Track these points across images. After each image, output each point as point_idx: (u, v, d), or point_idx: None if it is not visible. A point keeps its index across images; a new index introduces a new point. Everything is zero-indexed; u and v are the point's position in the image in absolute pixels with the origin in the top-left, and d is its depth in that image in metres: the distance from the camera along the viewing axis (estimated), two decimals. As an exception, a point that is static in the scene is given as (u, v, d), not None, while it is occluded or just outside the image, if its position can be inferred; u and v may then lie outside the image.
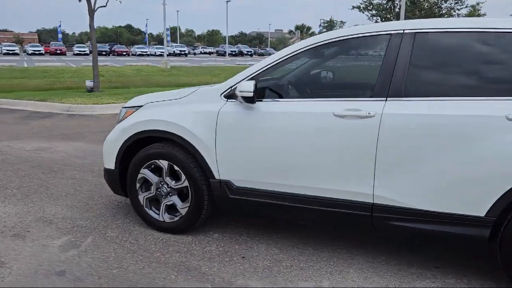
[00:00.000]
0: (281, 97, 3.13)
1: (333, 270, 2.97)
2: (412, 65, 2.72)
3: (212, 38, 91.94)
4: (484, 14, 47.27)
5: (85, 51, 51.36)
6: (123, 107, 3.80)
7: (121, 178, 3.63)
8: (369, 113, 2.73)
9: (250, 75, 3.12)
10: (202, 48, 72.85)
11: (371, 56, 3.01)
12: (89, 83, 13.10)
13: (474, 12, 46.53)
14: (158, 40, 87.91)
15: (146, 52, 53.07)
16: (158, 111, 3.42)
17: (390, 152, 2.70)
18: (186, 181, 3.34)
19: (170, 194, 3.46)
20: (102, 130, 7.90)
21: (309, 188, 2.96)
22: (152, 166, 3.47)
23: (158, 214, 3.51)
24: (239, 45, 68.51)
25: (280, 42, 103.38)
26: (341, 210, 2.90)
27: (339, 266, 3.02)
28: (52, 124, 8.48)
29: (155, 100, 3.51)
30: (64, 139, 7.14)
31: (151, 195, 3.52)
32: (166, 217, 3.49)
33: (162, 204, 3.48)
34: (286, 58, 3.04)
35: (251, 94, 2.91)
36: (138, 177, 3.52)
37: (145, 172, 3.49)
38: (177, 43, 63.53)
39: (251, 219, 3.75)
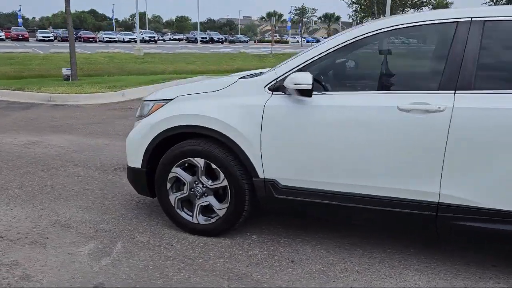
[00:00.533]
0: (336, 89, 2.91)
1: (391, 272, 2.81)
2: (482, 56, 2.55)
3: (181, 25, 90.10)
4: (452, 3, 48.25)
5: (49, 37, 49.21)
6: (145, 100, 3.48)
7: (149, 177, 3.34)
8: (438, 107, 2.55)
9: (299, 65, 2.88)
10: (171, 34, 71.28)
11: (429, 45, 2.83)
12: (66, 71, 12.43)
13: (442, 1, 47.45)
14: (124, 26, 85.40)
15: (114, 38, 51.34)
16: (192, 104, 3.13)
17: (461, 149, 2.54)
18: (225, 180, 3.08)
19: (206, 194, 3.19)
20: (92, 121, 7.46)
21: (367, 187, 2.77)
22: (186, 164, 3.20)
23: (192, 216, 3.25)
24: (209, 32, 67.37)
25: (250, 29, 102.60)
26: (403, 210, 2.73)
27: (395, 268, 2.86)
28: (37, 116, 7.94)
29: (187, 93, 3.21)
30: (54, 131, 6.68)
31: (183, 195, 3.25)
32: (201, 219, 3.23)
33: (196, 205, 3.22)
34: (342, 47, 2.82)
35: (309, 87, 2.67)
36: (169, 177, 3.24)
37: (177, 171, 3.21)
38: (145, 29, 61.81)
39: (286, 218, 3.54)
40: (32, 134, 6.46)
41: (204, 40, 57.27)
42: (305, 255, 3.01)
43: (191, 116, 3.09)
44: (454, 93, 2.57)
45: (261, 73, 3.62)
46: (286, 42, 68.47)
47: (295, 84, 2.71)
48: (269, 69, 3.66)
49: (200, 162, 3.12)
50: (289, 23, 63.30)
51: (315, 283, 2.68)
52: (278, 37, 67.91)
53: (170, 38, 66.23)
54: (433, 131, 2.58)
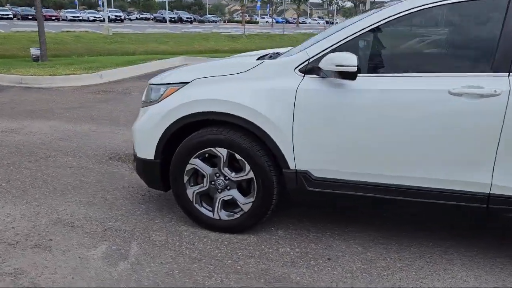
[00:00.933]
0: (378, 72, 2.65)
1: (435, 269, 2.64)
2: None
3: (147, 3, 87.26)
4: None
5: (8, 15, 46.49)
6: (154, 84, 3.12)
7: (162, 169, 3.02)
8: (494, 91, 2.35)
9: (334, 44, 2.60)
10: (138, 13, 68.83)
11: (479, 22, 2.61)
12: (35, 51, 11.65)
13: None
14: (87, 4, 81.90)
15: (78, 17, 49.07)
16: (213, 89, 2.82)
17: (518, 136, 2.35)
18: (251, 172, 2.80)
19: (228, 187, 2.91)
20: (72, 106, 6.96)
21: (411, 178, 2.56)
22: (206, 155, 2.90)
23: (212, 211, 2.97)
24: (177, 11, 65.53)
25: (217, 8, 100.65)
26: (449, 202, 2.54)
27: (438, 263, 2.69)
28: (10, 100, 7.34)
29: (207, 75, 2.88)
30: (32, 117, 6.17)
31: (203, 189, 2.96)
32: (223, 215, 2.95)
33: (218, 199, 2.93)
34: (384, 23, 2.56)
35: (353, 69, 2.41)
36: (187, 169, 2.93)
37: (196, 163, 2.91)
38: (110, 8, 59.45)
39: (308, 210, 3.31)
40: (8, 120, 5.93)
41: (173, 19, 55.64)
42: (340, 252, 2.80)
43: (212, 101, 2.77)
44: (508, 76, 2.37)
45: (277, 53, 3.34)
46: (256, 23, 67.56)
47: (337, 65, 2.44)
48: (288, 49, 3.38)
49: (222, 152, 2.83)
50: (258, 3, 62.50)
51: (360, 283, 2.47)
52: (247, 17, 66.81)
53: (136, 17, 63.96)
54: (487, 117, 2.38)
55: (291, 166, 2.73)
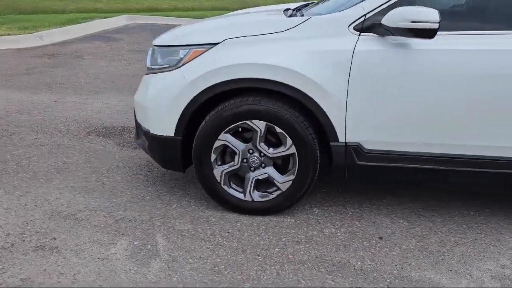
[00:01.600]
0: (452, 29, 2.33)
1: (489, 240, 2.49)
2: None
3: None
4: None
5: None
6: (163, 46, 2.62)
7: (183, 147, 2.58)
8: None
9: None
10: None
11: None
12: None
13: None
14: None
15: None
16: (252, 51, 2.39)
17: None
18: (293, 147, 2.46)
19: (264, 165, 2.55)
20: (17, 72, 6.06)
21: (481, 147, 2.36)
22: (239, 129, 2.50)
23: (243, 192, 2.60)
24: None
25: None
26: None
27: (489, 234, 2.55)
28: None
29: (239, 35, 2.44)
30: (-28, 86, 5.26)
31: (233, 168, 2.57)
32: (256, 196, 2.60)
33: (251, 179, 2.57)
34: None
35: (435, 25, 2.09)
36: (215, 146, 2.52)
37: (226, 138, 2.50)
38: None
39: (332, 183, 3.04)
40: None
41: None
42: (388, 229, 2.58)
43: (253, 66, 2.36)
44: None
45: (306, 4, 2.95)
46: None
47: (412, 21, 2.11)
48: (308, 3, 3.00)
49: (259, 125, 2.44)
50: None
51: (426, 265, 2.27)
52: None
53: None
54: None
55: (341, 138, 2.42)
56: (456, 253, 2.37)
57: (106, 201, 2.75)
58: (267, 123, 2.43)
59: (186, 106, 2.45)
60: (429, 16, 2.09)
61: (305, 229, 2.54)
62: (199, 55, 2.45)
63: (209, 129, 2.48)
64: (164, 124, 2.54)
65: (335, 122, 2.38)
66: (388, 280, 2.15)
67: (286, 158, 2.54)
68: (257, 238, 2.43)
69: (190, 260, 2.22)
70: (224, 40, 2.43)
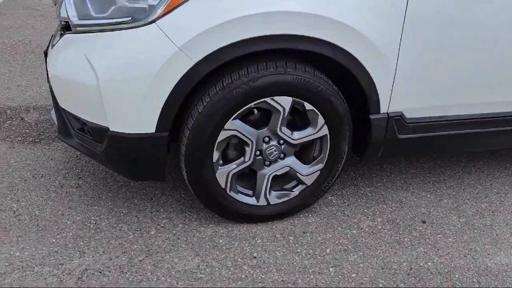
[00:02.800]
0: None
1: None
2: None
3: None
4: None
5: None
6: None
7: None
8: None
9: None
10: None
11: None
12: None
13: None
14: None
15: None
16: None
17: None
18: (325, 127, 1.80)
19: (284, 155, 1.85)
20: None
21: None
22: (254, 111, 1.72)
23: (255, 196, 1.88)
24: None
25: None
26: None
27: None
28: None
29: None
30: None
31: (243, 166, 1.80)
32: (273, 198, 1.90)
33: (266, 176, 1.85)
34: None
35: None
36: (220, 139, 1.70)
37: (236, 126, 1.70)
38: None
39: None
40: None
41: None
42: (420, 207, 2.17)
43: (280, 15, 1.55)
44: None
45: None
46: None
47: None
48: None
49: (284, 102, 1.70)
50: None
51: (490, 247, 1.94)
52: None
53: None
54: None
55: (383, 108, 1.85)
56: (498, 221, 2.10)
57: (118, 203, 1.76)
58: (295, 98, 1.70)
59: (176, 85, 1.55)
60: None
61: (340, 228, 1.97)
62: (185, 1, 1.52)
63: (209, 116, 1.63)
64: (138, 117, 1.60)
65: (380, 88, 1.78)
66: (475, 280, 1.76)
67: (310, 144, 1.87)
68: (296, 259, 1.77)
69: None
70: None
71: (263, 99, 1.67)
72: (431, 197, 2.27)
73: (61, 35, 1.78)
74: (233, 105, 1.64)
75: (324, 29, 1.61)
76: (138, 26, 1.54)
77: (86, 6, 1.66)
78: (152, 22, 1.53)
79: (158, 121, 1.60)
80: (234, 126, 1.70)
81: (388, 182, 2.36)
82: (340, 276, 1.70)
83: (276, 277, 1.66)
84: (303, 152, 1.90)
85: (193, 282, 1.60)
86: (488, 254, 1.89)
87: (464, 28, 1.78)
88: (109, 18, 1.59)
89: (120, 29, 1.57)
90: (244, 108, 1.66)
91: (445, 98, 1.93)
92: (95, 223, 1.85)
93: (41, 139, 2.46)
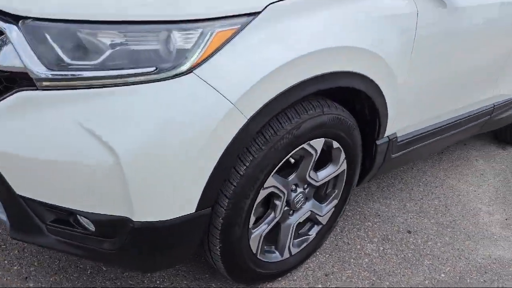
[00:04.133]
0: None
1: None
2: None
3: None
4: None
5: None
6: (147, 21, 1.13)
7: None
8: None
9: None
10: None
11: None
12: None
13: None
14: None
15: None
16: (317, 24, 1.32)
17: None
18: (345, 162, 1.68)
19: (306, 200, 1.65)
20: None
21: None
22: (291, 160, 1.47)
23: (280, 250, 1.65)
24: None
25: None
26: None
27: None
28: None
29: None
30: None
31: (274, 222, 1.55)
32: (295, 247, 1.70)
33: (291, 226, 1.63)
34: None
35: None
36: (258, 200, 1.41)
37: (274, 182, 1.43)
38: None
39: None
40: None
41: None
42: (398, 217, 2.25)
43: (338, 52, 1.34)
44: None
45: None
46: None
47: None
48: None
49: (318, 145, 1.51)
50: None
51: (469, 242, 2.13)
52: None
53: None
54: None
55: (387, 132, 1.81)
56: (461, 215, 2.34)
57: None
58: (327, 139, 1.53)
59: (227, 147, 1.20)
60: None
61: (353, 260, 1.89)
62: (230, 40, 1.18)
63: (253, 178, 1.33)
64: (175, 198, 1.19)
65: (391, 114, 1.74)
66: (482, 280, 1.90)
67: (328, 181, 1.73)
68: (342, 309, 1.63)
69: None
70: (268, 5, 1.24)
71: (301, 146, 1.44)
72: (396, 203, 2.37)
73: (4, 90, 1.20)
74: (277, 159, 1.37)
75: (367, 61, 1.47)
76: (168, 78, 1.13)
77: (54, 50, 1.15)
78: (189, 72, 1.14)
79: (201, 196, 1.23)
80: (272, 182, 1.43)
81: (355, 196, 2.37)
82: (389, 316, 1.63)
83: None
84: (317, 192, 1.74)
85: None
86: (472, 251, 2.08)
87: (441, 61, 1.85)
88: (114, 68, 1.13)
89: (134, 83, 1.13)
90: (284, 159, 1.41)
91: (423, 114, 2.00)
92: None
93: None
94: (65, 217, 1.26)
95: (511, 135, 3.19)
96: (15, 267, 1.61)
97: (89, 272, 1.63)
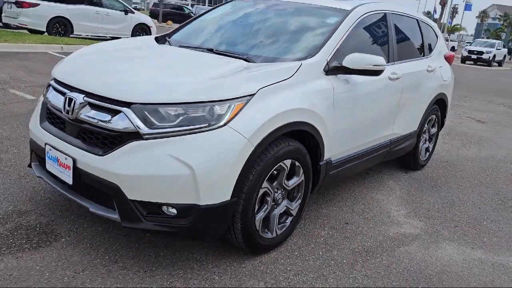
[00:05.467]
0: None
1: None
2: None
3: None
4: None
5: None
6: (208, 101, 2.29)
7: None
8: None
9: (336, 46, 3.04)
10: None
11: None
12: None
13: None
14: None
15: None
16: (284, 98, 2.53)
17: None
18: (303, 175, 2.84)
19: (283, 198, 2.78)
20: None
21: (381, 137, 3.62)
22: (274, 172, 2.60)
23: (270, 231, 2.73)
24: None
25: None
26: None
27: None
28: None
29: (265, 84, 2.47)
30: None
31: (267, 211, 2.65)
32: (278, 229, 2.79)
33: (276, 216, 2.74)
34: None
35: (384, 67, 3.01)
36: (259, 194, 2.52)
37: (266, 184, 2.56)
38: None
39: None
40: None
41: None
42: (336, 213, 3.40)
43: (292, 112, 2.54)
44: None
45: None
46: None
47: (375, 65, 2.95)
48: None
49: (287, 163, 2.67)
50: None
51: (387, 220, 3.32)
52: None
53: None
54: None
55: (325, 156, 3.01)
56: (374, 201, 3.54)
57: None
58: (292, 160, 2.69)
59: (245, 163, 2.32)
60: (382, 61, 3.01)
61: (314, 237, 2.99)
62: (242, 107, 2.34)
63: (256, 181, 2.44)
64: (219, 189, 2.27)
65: (326, 145, 2.94)
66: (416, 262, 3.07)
67: (295, 186, 2.86)
68: (310, 259, 2.70)
69: (317, 303, 2.31)
70: (258, 90, 2.43)
71: (279, 163, 2.59)
72: (337, 208, 3.53)
73: (117, 142, 2.27)
74: (268, 170, 2.50)
75: (309, 116, 2.69)
76: (215, 128, 2.26)
77: (149, 118, 2.24)
78: (226, 125, 2.28)
79: (233, 190, 2.32)
80: (266, 185, 2.55)
81: (312, 203, 3.50)
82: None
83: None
84: (289, 194, 2.86)
85: (276, 293, 2.34)
86: (387, 230, 3.25)
87: (352, 114, 3.15)
88: (183, 125, 2.23)
89: (199, 131, 2.24)
90: (271, 171, 2.54)
91: (345, 146, 3.23)
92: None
93: (47, 240, 2.57)
94: (156, 209, 2.28)
95: (410, 163, 4.57)
96: (107, 257, 2.52)
97: (146, 270, 2.57)
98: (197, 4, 53.08)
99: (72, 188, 2.49)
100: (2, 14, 13.43)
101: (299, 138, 2.79)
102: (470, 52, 28.72)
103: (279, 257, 2.72)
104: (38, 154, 2.76)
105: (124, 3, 15.46)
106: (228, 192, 2.31)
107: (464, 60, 28.81)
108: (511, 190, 4.48)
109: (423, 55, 4.44)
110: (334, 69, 2.96)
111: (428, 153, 4.86)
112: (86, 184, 2.40)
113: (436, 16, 55.71)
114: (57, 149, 2.48)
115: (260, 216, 2.60)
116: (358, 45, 3.33)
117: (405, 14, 4.19)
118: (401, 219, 3.49)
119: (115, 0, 15.20)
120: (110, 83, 2.43)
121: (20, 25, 12.95)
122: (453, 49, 40.54)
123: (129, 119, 2.25)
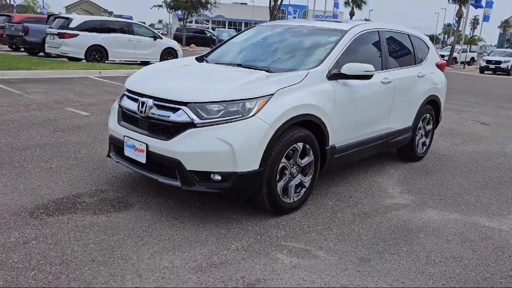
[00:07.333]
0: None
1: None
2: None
3: None
4: None
5: None
6: (243, 99, 3.26)
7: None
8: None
9: (336, 58, 3.97)
10: None
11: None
12: None
13: None
14: None
15: None
16: (295, 96, 3.45)
17: (397, 101, 4.74)
18: (312, 155, 3.74)
19: (297, 173, 3.68)
20: None
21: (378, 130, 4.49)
22: (290, 151, 3.51)
23: (288, 197, 3.62)
24: None
25: None
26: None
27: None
28: None
29: (283, 86, 3.42)
30: None
31: (285, 181, 3.55)
32: (295, 197, 3.68)
33: (292, 186, 3.63)
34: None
35: (372, 73, 3.93)
36: (279, 167, 3.43)
37: (284, 160, 3.47)
38: None
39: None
40: None
41: None
42: (345, 191, 4.27)
43: (301, 106, 3.46)
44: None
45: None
46: None
47: (365, 71, 3.87)
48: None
49: (300, 146, 3.58)
50: None
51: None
52: None
53: None
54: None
55: (330, 143, 3.91)
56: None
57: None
58: (303, 143, 3.60)
59: (270, 140, 3.25)
60: (370, 68, 3.92)
61: (322, 205, 3.87)
62: (266, 103, 3.28)
63: (277, 156, 3.36)
64: (250, 161, 3.19)
65: (330, 134, 3.85)
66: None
67: (307, 165, 3.75)
68: (363, 231, 3.58)
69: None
70: (276, 91, 3.37)
71: (293, 145, 3.50)
72: (344, 187, 4.40)
73: (171, 131, 3.22)
74: (285, 149, 3.42)
75: (316, 110, 3.61)
76: (247, 118, 3.20)
77: (200, 112, 3.20)
78: (254, 115, 3.22)
79: (260, 162, 3.24)
80: (284, 160, 3.47)
81: (321, 182, 4.38)
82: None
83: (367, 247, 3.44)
84: (303, 170, 3.76)
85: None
86: (383, 200, 4.09)
87: (350, 111, 4.05)
88: (224, 117, 3.18)
89: (235, 120, 3.18)
90: (288, 150, 3.46)
91: (346, 135, 4.12)
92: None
93: (125, 207, 3.53)
94: (206, 176, 3.21)
95: (408, 153, 5.41)
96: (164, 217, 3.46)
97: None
98: (218, 27, 55.07)
99: (144, 167, 3.46)
100: (46, 45, 14.96)
101: (309, 127, 3.70)
102: (488, 62, 29.21)
103: (296, 216, 3.61)
104: (116, 145, 3.75)
105: (153, 30, 16.85)
106: (256, 163, 3.23)
107: (482, 70, 29.28)
108: (497, 175, 5.24)
109: (415, 63, 5.31)
110: (334, 75, 3.89)
111: (425, 147, 5.68)
112: (155, 162, 3.36)
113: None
114: (133, 139, 3.46)
115: (280, 184, 3.50)
116: (355, 57, 4.24)
117: (396, 31, 5.10)
118: (396, 194, 4.33)
119: (144, 27, 16.60)
120: (171, 90, 3.41)
121: (62, 54, 14.41)
122: (472, 60, 40.94)
123: (186, 114, 3.21)
